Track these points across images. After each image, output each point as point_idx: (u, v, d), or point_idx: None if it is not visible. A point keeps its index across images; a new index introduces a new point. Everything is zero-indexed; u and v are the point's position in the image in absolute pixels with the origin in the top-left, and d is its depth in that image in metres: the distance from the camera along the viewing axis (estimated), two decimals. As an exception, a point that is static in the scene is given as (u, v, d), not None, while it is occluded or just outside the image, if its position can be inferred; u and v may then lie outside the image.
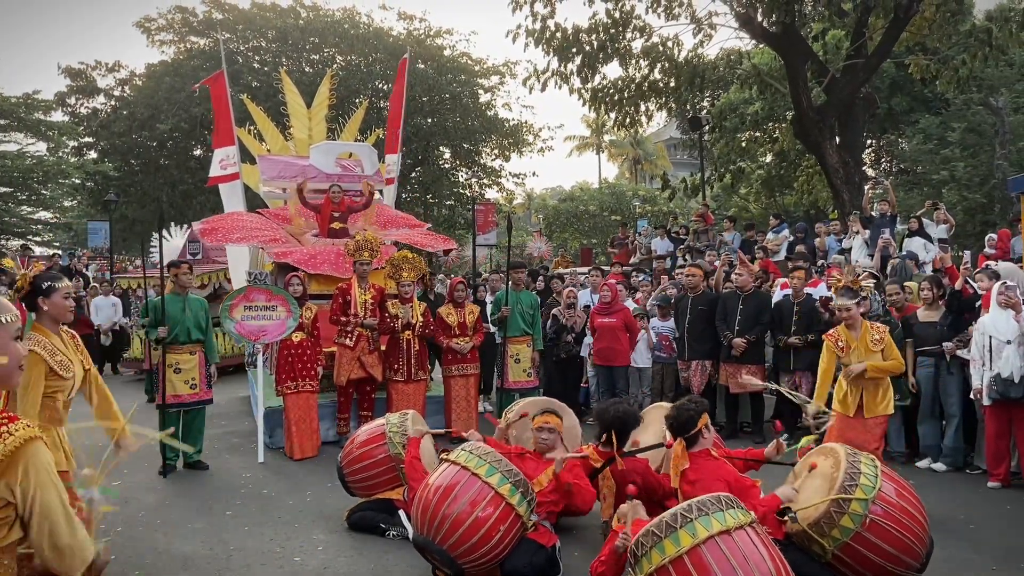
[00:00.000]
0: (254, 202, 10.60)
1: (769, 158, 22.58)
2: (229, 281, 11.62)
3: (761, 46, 18.42)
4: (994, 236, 11.68)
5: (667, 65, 16.19)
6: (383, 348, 7.34)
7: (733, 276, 7.83)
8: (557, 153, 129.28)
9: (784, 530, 3.71)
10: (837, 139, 15.65)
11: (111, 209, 21.26)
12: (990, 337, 5.65)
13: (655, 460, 4.58)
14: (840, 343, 5.15)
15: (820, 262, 11.00)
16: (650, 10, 15.02)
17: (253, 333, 6.83)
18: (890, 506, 3.57)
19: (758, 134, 21.03)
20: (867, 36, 15.09)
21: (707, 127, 20.04)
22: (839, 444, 4.03)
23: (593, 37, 15.28)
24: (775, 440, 4.30)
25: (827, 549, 3.59)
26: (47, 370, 3.28)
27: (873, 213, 11.16)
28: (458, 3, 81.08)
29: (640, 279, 9.97)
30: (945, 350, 6.19)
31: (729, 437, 7.17)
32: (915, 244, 10.20)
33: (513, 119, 27.32)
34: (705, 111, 20.91)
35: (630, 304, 8.62)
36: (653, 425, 4.91)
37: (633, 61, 16.12)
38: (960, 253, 10.18)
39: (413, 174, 26.43)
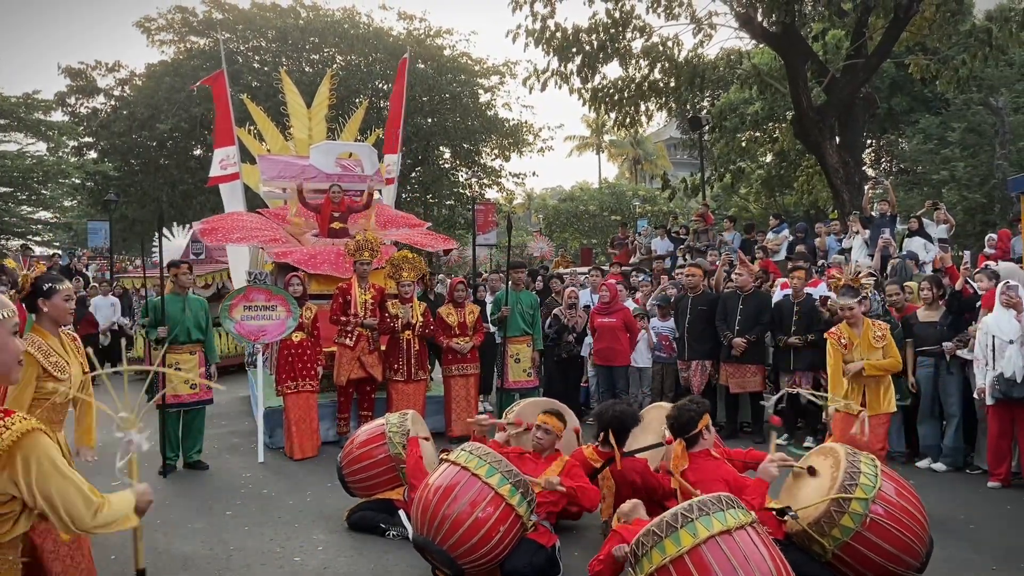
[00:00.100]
0: (254, 202, 10.61)
1: (769, 158, 22.59)
2: (231, 281, 11.64)
3: (761, 46, 18.42)
4: (994, 236, 11.68)
5: (667, 65, 16.18)
6: (383, 348, 7.34)
7: (733, 276, 7.83)
8: (557, 153, 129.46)
9: (784, 530, 3.71)
10: (837, 139, 15.65)
11: (111, 209, 21.25)
12: (993, 337, 5.66)
13: (655, 460, 4.58)
14: (843, 340, 5.22)
15: (820, 262, 11.00)
16: (650, 10, 15.02)
17: (253, 333, 6.83)
18: (890, 505, 3.57)
19: (758, 134, 21.03)
20: (867, 36, 15.09)
21: (707, 127, 20.04)
22: (839, 444, 4.02)
23: (593, 37, 15.28)
24: (778, 453, 4.27)
25: (827, 549, 3.59)
26: (41, 372, 3.27)
27: (873, 213, 11.16)
28: (458, 3, 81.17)
29: (640, 279, 9.97)
30: (945, 350, 6.19)
31: (729, 437, 7.17)
32: (915, 244, 10.21)
33: (513, 119, 27.35)
34: (705, 111, 20.91)
35: (630, 304, 8.62)
36: (653, 425, 4.91)
37: (633, 61, 16.12)
38: (960, 253, 10.19)
39: (413, 174, 26.42)
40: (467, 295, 7.75)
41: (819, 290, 7.85)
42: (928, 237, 10.40)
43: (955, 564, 4.24)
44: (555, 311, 8.61)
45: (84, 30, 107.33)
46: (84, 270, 16.52)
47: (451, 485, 3.83)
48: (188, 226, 13.87)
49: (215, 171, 10.70)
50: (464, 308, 7.57)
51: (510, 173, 28.76)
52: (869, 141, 24.07)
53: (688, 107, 19.33)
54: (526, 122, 27.47)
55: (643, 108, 17.37)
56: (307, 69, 24.09)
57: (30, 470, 1.95)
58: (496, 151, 27.83)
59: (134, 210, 24.71)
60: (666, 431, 4.29)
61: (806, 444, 6.81)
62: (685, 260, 12.50)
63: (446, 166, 27.94)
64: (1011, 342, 5.54)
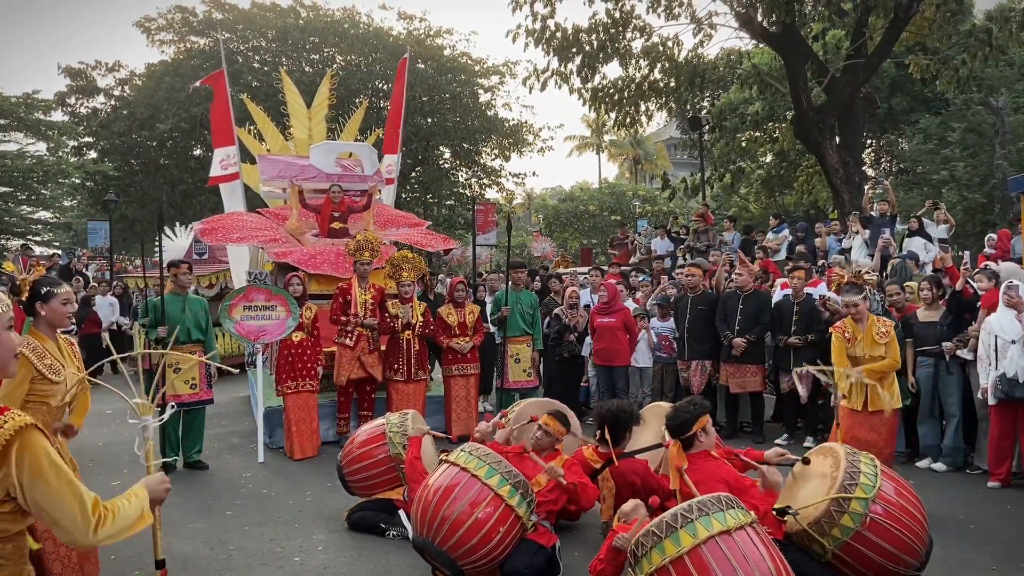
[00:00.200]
0: (254, 202, 10.61)
1: (769, 158, 22.59)
2: (233, 281, 11.65)
3: (761, 46, 18.43)
4: (994, 236, 11.67)
5: (667, 65, 16.19)
6: (383, 348, 7.34)
7: (733, 276, 7.83)
8: (557, 153, 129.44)
9: (784, 530, 3.71)
10: (837, 139, 15.66)
11: (111, 209, 21.26)
12: (996, 337, 5.66)
13: (655, 460, 4.58)
14: (847, 334, 5.25)
15: (820, 262, 11.00)
16: (650, 10, 15.02)
17: (253, 333, 6.82)
18: (890, 505, 3.57)
19: (758, 134, 21.03)
20: (867, 36, 15.09)
21: (707, 127, 20.04)
22: (839, 444, 4.02)
23: (593, 37, 15.29)
24: (779, 450, 4.27)
25: (827, 548, 3.59)
26: (36, 374, 3.26)
27: (873, 213, 11.16)
28: (458, 3, 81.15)
29: (640, 279, 9.97)
30: (945, 350, 6.19)
31: (729, 437, 7.17)
32: (915, 244, 10.20)
33: (513, 119, 27.34)
34: (705, 111, 20.91)
35: (630, 304, 8.62)
36: (653, 425, 4.91)
37: (633, 61, 16.12)
38: (960, 253, 10.18)
39: (413, 174, 26.42)
40: (467, 295, 7.75)
41: (819, 290, 7.85)
42: (928, 237, 10.40)
43: (955, 564, 4.24)
44: (556, 311, 8.61)
45: (84, 30, 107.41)
46: (84, 270, 16.52)
47: (451, 486, 3.83)
48: (189, 226, 13.89)
49: (215, 171, 10.70)
50: (464, 308, 7.57)
51: (510, 173, 28.81)
52: (869, 141, 24.07)
53: (688, 107, 19.33)
54: (526, 122, 27.49)
55: (643, 108, 17.38)
56: (307, 69, 24.08)
57: (24, 469, 1.84)
58: (496, 151, 27.83)
59: (134, 210, 24.70)
60: (665, 432, 4.30)
61: (806, 444, 6.82)
62: (685, 260, 12.50)
63: (446, 166, 27.93)
64: (1013, 342, 5.55)
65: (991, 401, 5.70)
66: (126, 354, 2.93)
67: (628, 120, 17.41)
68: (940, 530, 4.15)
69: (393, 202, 10.85)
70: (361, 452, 5.06)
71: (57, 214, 28.76)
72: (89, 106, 24.87)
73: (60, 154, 23.97)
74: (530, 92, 61.67)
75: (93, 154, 24.62)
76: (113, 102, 24.88)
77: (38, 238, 27.19)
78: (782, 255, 12.22)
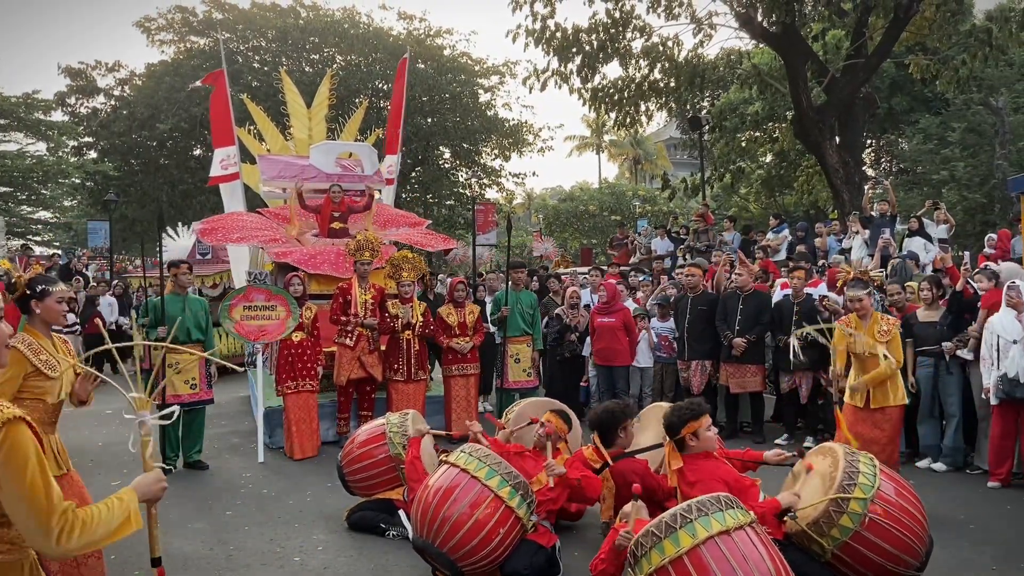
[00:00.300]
0: (254, 202, 10.61)
1: (769, 158, 22.59)
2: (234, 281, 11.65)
3: (761, 46, 18.43)
4: (994, 236, 11.67)
5: (667, 65, 16.19)
6: (383, 348, 7.34)
7: (733, 276, 7.83)
8: (557, 153, 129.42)
9: (784, 530, 3.71)
10: (837, 139, 15.66)
11: (111, 209, 21.26)
12: (998, 337, 5.66)
13: (655, 460, 4.58)
14: (849, 328, 5.28)
15: (820, 262, 11.00)
16: (650, 10, 15.02)
17: (253, 333, 6.82)
18: (889, 505, 3.57)
19: (758, 134, 21.03)
20: (867, 36, 15.09)
21: (707, 127, 20.04)
22: (838, 444, 4.02)
23: (593, 37, 15.28)
24: (779, 451, 4.27)
25: (826, 548, 3.59)
26: (31, 370, 3.26)
27: (873, 213, 11.16)
28: (458, 3, 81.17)
29: (640, 279, 9.98)
30: (945, 350, 6.19)
31: (729, 437, 7.17)
32: (915, 244, 10.20)
33: (513, 119, 27.35)
34: (705, 111, 20.91)
35: (630, 304, 8.62)
36: (653, 425, 4.91)
37: (633, 61, 16.12)
38: (960, 253, 10.18)
39: (413, 174, 26.42)
40: (467, 295, 7.75)
41: (819, 290, 7.85)
42: (928, 237, 10.40)
43: (955, 564, 4.24)
44: (556, 311, 8.62)
45: (84, 30, 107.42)
46: (84, 270, 16.52)
47: (451, 487, 3.83)
48: (190, 226, 13.90)
49: (215, 171, 10.70)
50: (464, 308, 7.57)
51: (510, 173, 28.82)
52: (869, 141, 24.07)
53: (688, 107, 19.33)
54: (526, 122, 27.51)
55: (643, 108, 17.38)
56: (307, 69, 24.08)
57: (4, 463, 1.74)
58: (496, 151, 27.83)
59: (134, 210, 24.71)
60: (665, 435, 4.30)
61: (806, 444, 6.81)
62: (685, 260, 12.50)
63: (446, 166, 27.93)
64: (1015, 342, 5.55)
65: (993, 401, 5.70)
66: (123, 344, 2.86)
67: (628, 120, 17.41)
68: (940, 530, 4.15)
69: (393, 202, 10.85)
70: (361, 452, 5.06)
71: (57, 214, 28.78)
72: (89, 106, 24.89)
73: (60, 154, 23.99)
74: (530, 92, 61.71)
75: (93, 154, 24.63)
76: (113, 102, 24.89)
77: (38, 238, 27.20)
78: (782, 255, 12.22)
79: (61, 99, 24.29)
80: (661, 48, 15.88)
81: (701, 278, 7.94)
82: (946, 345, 6.19)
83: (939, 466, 6.26)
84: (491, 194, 28.49)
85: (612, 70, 64.84)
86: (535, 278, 10.39)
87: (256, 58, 25.01)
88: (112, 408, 8.59)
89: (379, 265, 7.63)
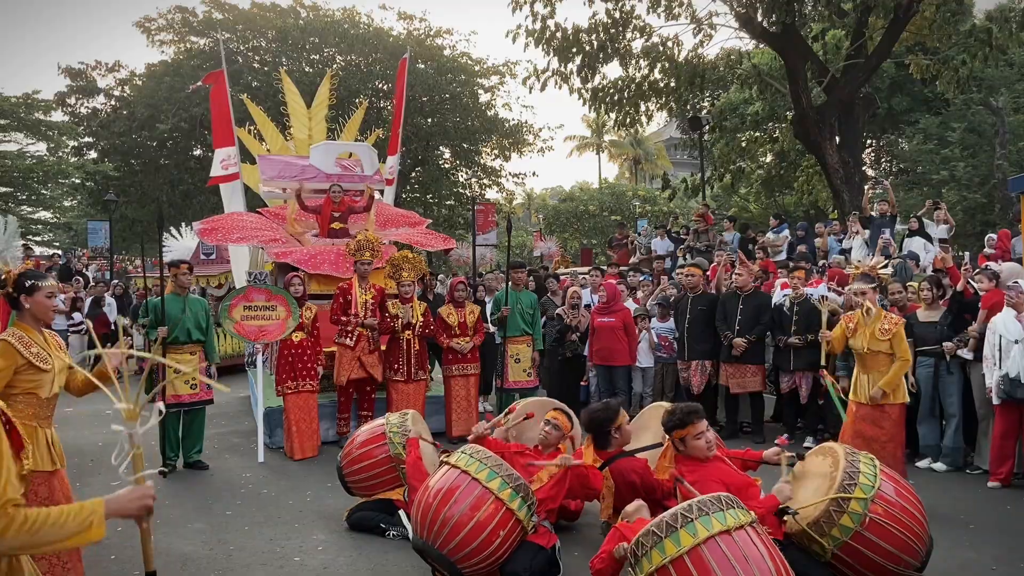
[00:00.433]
0: (254, 202, 10.61)
1: (769, 158, 22.59)
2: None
3: (761, 46, 18.43)
4: (994, 236, 11.66)
5: (667, 65, 16.20)
6: (383, 348, 7.34)
7: (733, 276, 7.83)
8: (557, 153, 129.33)
9: (784, 530, 3.71)
10: (837, 139, 15.66)
11: (111, 209, 21.26)
12: (1000, 336, 5.67)
13: (655, 460, 4.58)
14: (852, 323, 5.33)
15: (821, 262, 11.00)
16: (650, 10, 15.02)
17: (253, 333, 6.82)
18: (889, 505, 3.57)
19: (758, 134, 21.04)
20: (867, 36, 15.09)
21: (707, 127, 20.04)
22: (838, 444, 4.02)
23: (593, 37, 15.29)
24: (780, 450, 4.27)
25: (827, 548, 3.59)
26: (23, 363, 3.26)
27: (873, 213, 11.16)
28: (458, 3, 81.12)
29: (640, 279, 9.98)
30: (945, 350, 6.19)
31: (729, 437, 7.17)
32: (915, 244, 10.20)
33: (513, 119, 27.36)
34: (705, 111, 20.91)
35: (630, 305, 8.62)
36: (653, 425, 4.91)
37: (633, 61, 16.13)
38: (960, 253, 10.18)
39: (413, 174, 26.43)
40: (467, 295, 7.75)
41: (819, 290, 7.85)
42: (928, 237, 10.39)
43: (955, 564, 4.24)
44: (557, 311, 8.62)
45: (84, 30, 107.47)
46: (84, 270, 16.53)
47: (451, 488, 3.82)
48: (191, 227, 13.92)
49: (216, 171, 10.70)
50: (464, 308, 7.57)
51: (510, 173, 28.83)
52: (869, 141, 24.07)
53: (688, 107, 19.33)
54: (526, 122, 27.52)
55: (643, 108, 17.38)
56: (307, 69, 24.08)
57: None
58: (496, 151, 27.84)
59: (134, 210, 24.72)
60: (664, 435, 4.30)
61: (806, 444, 6.81)
62: (685, 260, 12.50)
63: (446, 166, 27.94)
64: (1016, 342, 5.55)
65: (995, 401, 5.70)
66: (117, 351, 2.80)
67: (628, 120, 17.42)
68: (940, 530, 4.15)
69: (393, 202, 10.84)
70: (361, 452, 5.06)
71: (57, 214, 28.79)
72: (89, 106, 24.89)
73: (60, 154, 23.99)
74: (530, 92, 61.68)
75: (93, 154, 24.63)
76: (113, 102, 24.89)
77: (38, 238, 27.20)
78: (783, 255, 12.21)
79: (61, 99, 24.29)
80: (661, 48, 15.89)
81: (701, 278, 7.94)
82: (946, 345, 6.19)
83: (939, 466, 6.26)
84: (491, 194, 28.53)
85: (612, 70, 64.85)
86: (531, 278, 10.38)
87: (256, 58, 25.02)
88: (112, 408, 8.57)
89: (379, 265, 7.63)
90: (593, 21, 15.31)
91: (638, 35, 15.65)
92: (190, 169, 24.49)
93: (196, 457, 6.59)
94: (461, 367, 7.48)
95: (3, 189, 23.55)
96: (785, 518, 3.66)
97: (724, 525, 3.00)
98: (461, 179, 28.37)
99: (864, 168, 20.66)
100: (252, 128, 10.74)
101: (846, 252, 10.99)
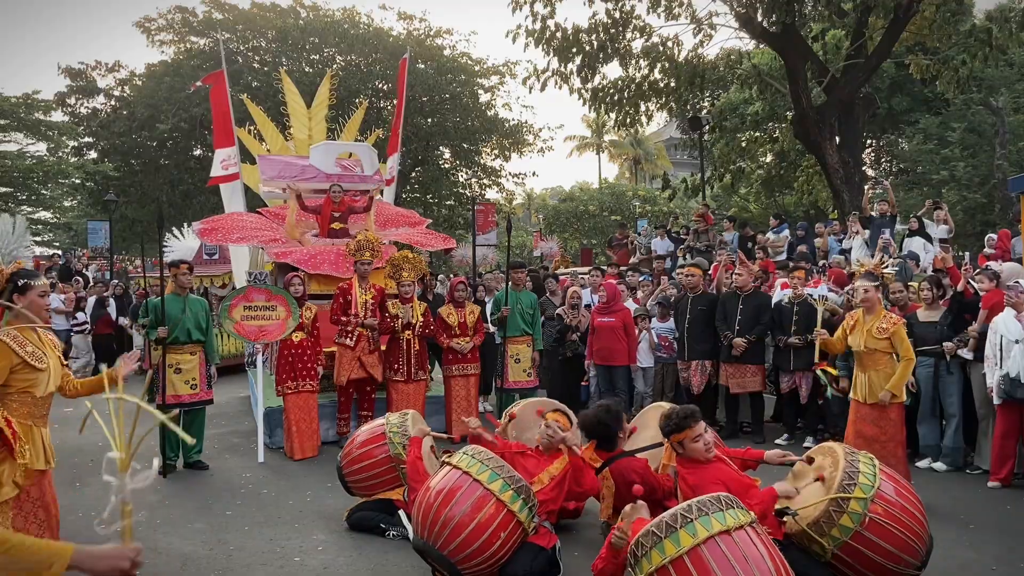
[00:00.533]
0: (254, 202, 10.61)
1: (769, 158, 22.59)
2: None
3: (761, 46, 18.44)
4: (994, 236, 11.66)
5: (667, 65, 16.20)
6: (383, 348, 7.34)
7: (733, 276, 7.83)
8: (557, 153, 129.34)
9: (784, 530, 3.71)
10: (837, 139, 15.66)
11: (111, 209, 21.25)
12: (1001, 336, 5.67)
13: (655, 460, 4.58)
14: (852, 321, 5.36)
15: (821, 262, 11.00)
16: (650, 10, 15.02)
17: (253, 333, 6.82)
18: (889, 505, 3.57)
19: (758, 134, 21.04)
20: (867, 36, 15.09)
21: (707, 127, 20.04)
22: (838, 444, 4.02)
23: (593, 37, 15.30)
24: (781, 451, 4.27)
25: (827, 548, 3.59)
26: (18, 362, 3.26)
27: (873, 213, 11.16)
28: (458, 3, 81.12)
29: (640, 279, 9.98)
30: (945, 350, 6.19)
31: (729, 437, 7.17)
32: (915, 244, 10.20)
33: (513, 119, 27.36)
34: (705, 111, 20.91)
35: (631, 305, 8.62)
36: (653, 425, 4.91)
37: (633, 61, 16.13)
38: (960, 253, 10.18)
39: (413, 174, 26.43)
40: (467, 295, 7.75)
41: (819, 290, 7.85)
42: (928, 237, 10.40)
43: (955, 564, 4.24)
44: (557, 311, 8.62)
45: (84, 30, 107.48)
46: (84, 270, 16.53)
47: (452, 489, 3.81)
48: (191, 226, 13.92)
49: (216, 171, 10.70)
50: (464, 308, 7.57)
51: (510, 173, 28.82)
52: (869, 141, 24.08)
53: (688, 107, 19.34)
54: (526, 122, 27.51)
55: (643, 108, 17.39)
56: (307, 69, 24.08)
57: None
58: (496, 151, 27.84)
59: (134, 210, 24.72)
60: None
61: (806, 444, 6.82)
62: (685, 260, 12.49)
63: (446, 166, 27.94)
64: (1016, 342, 5.55)
65: (996, 401, 5.70)
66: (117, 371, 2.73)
67: (628, 120, 17.42)
68: (940, 530, 4.15)
69: (393, 202, 10.84)
70: (361, 452, 5.06)
71: (57, 214, 28.78)
72: (89, 106, 24.89)
73: (60, 154, 23.98)
74: (530, 92, 61.72)
75: (93, 154, 24.62)
76: (113, 102, 24.89)
77: (38, 238, 27.19)
78: (783, 255, 12.21)
79: (61, 99, 24.29)
80: (661, 48, 15.90)
81: (701, 278, 7.94)
82: (946, 345, 6.19)
83: (939, 466, 6.26)
84: (491, 194, 28.53)
85: (612, 70, 64.88)
86: (529, 277, 10.36)
87: (256, 58, 25.02)
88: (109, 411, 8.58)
89: (379, 265, 7.63)
90: (593, 21, 15.32)
91: (638, 35, 15.66)
92: (190, 169, 24.49)
93: (196, 457, 6.59)
94: (461, 367, 7.48)
95: (3, 189, 23.53)
96: (785, 518, 3.66)
97: (724, 525, 3.00)
98: (461, 179, 28.37)
99: (864, 168, 20.67)
100: (252, 128, 10.74)
101: (846, 252, 10.99)
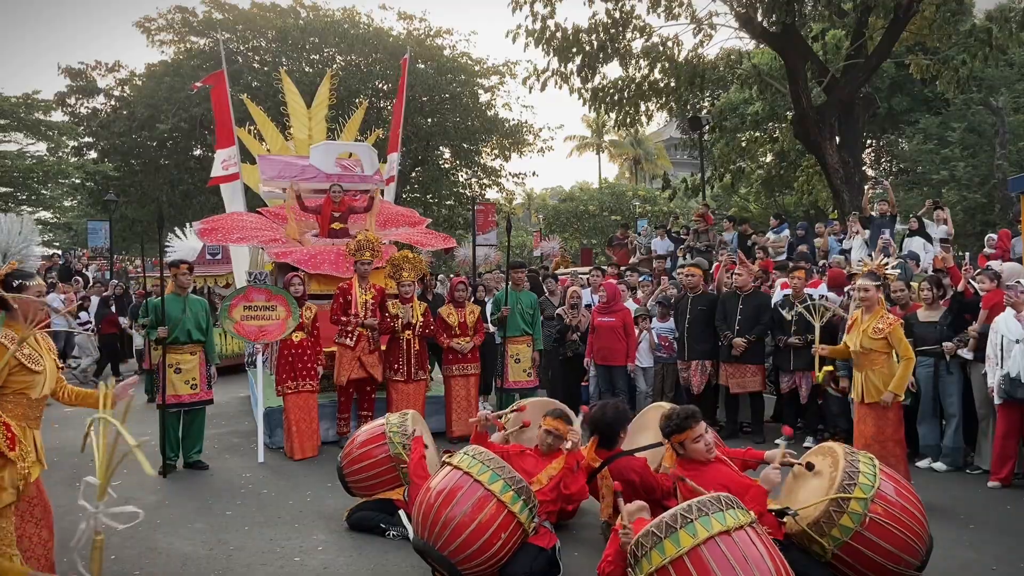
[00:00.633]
0: (254, 202, 10.61)
1: (769, 158, 22.59)
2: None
3: (761, 46, 18.44)
4: (994, 236, 11.66)
5: (667, 65, 16.20)
6: (383, 348, 7.34)
7: (733, 276, 7.82)
8: (557, 153, 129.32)
9: (784, 530, 3.71)
10: (837, 139, 15.66)
11: (111, 209, 21.25)
12: (1002, 336, 5.67)
13: (655, 460, 4.58)
14: (851, 321, 5.38)
15: (821, 262, 11.00)
16: (650, 10, 15.02)
17: (253, 333, 6.82)
18: (889, 505, 3.57)
19: (758, 134, 21.04)
20: (867, 36, 15.09)
21: (707, 127, 20.04)
22: (838, 444, 4.02)
23: (593, 37, 15.30)
24: (781, 450, 4.27)
25: (827, 549, 3.59)
26: (16, 364, 3.26)
27: (873, 213, 11.15)
28: (458, 3, 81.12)
29: (640, 279, 9.98)
30: (945, 350, 6.19)
31: (729, 437, 7.17)
32: (915, 244, 10.21)
33: (513, 119, 27.37)
34: (705, 111, 20.91)
35: (631, 305, 8.62)
36: (652, 425, 4.91)
37: (633, 61, 16.13)
38: (960, 253, 10.18)
39: (413, 174, 26.43)
40: (467, 295, 7.75)
41: (819, 290, 7.85)
42: (928, 237, 10.40)
43: (955, 564, 4.24)
44: (557, 311, 8.62)
45: (84, 30, 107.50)
46: (84, 270, 16.52)
47: (453, 490, 3.81)
48: (191, 226, 13.92)
49: (216, 171, 10.70)
50: (464, 308, 7.57)
51: (510, 173, 28.84)
52: (869, 141, 24.08)
53: (688, 107, 19.34)
54: (526, 122, 27.53)
55: (643, 108, 17.39)
56: (307, 69, 24.09)
57: None
58: (496, 151, 27.84)
59: (134, 210, 24.72)
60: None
61: (806, 444, 6.81)
62: (685, 260, 12.49)
63: (446, 166, 27.94)
64: (1017, 342, 5.55)
65: (996, 401, 5.70)
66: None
67: (628, 120, 17.42)
68: (940, 530, 4.15)
69: (393, 201, 10.84)
70: (361, 452, 5.06)
71: (57, 214, 28.77)
72: (89, 106, 24.90)
73: (60, 154, 23.97)
74: (530, 92, 61.73)
75: (93, 154, 24.63)
76: (113, 102, 24.90)
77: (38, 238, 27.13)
78: (783, 255, 12.21)
79: (61, 99, 24.29)
80: (661, 48, 15.90)
81: (701, 278, 7.94)
82: (946, 345, 6.19)
83: (939, 466, 6.26)
84: (491, 194, 28.54)
85: (612, 70, 64.88)
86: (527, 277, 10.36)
87: (256, 58, 25.02)
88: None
89: (379, 265, 7.63)
90: (593, 21, 15.31)
91: (638, 35, 15.66)
92: (190, 169, 24.49)
93: (196, 457, 6.59)
94: (461, 367, 7.48)
95: (3, 189, 23.52)
96: (785, 518, 3.66)
97: (724, 526, 3.00)
98: (461, 179, 28.37)
99: (864, 168, 20.67)
100: (252, 128, 10.74)
101: (846, 252, 10.99)
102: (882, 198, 11.34)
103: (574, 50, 15.31)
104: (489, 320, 8.33)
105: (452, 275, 12.62)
